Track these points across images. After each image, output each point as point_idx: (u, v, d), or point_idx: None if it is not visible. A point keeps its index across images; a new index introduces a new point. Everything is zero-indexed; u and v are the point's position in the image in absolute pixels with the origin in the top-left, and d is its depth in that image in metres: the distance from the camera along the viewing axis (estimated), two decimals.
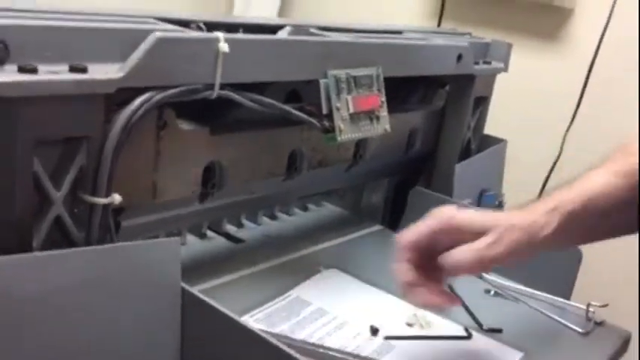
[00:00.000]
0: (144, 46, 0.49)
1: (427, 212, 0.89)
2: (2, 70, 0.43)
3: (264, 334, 0.50)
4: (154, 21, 0.56)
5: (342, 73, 0.67)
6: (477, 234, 0.58)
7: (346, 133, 0.67)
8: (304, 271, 0.77)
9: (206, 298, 0.53)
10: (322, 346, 0.63)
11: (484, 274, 0.83)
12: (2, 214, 0.45)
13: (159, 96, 0.51)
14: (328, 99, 0.65)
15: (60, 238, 0.49)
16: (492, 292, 0.80)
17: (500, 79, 0.99)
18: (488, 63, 0.95)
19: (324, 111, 0.66)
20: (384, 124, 0.72)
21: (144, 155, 0.56)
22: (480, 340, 0.69)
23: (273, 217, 0.93)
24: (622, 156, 0.60)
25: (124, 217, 0.59)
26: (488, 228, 0.58)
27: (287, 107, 0.63)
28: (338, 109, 0.66)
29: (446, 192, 0.91)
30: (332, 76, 0.66)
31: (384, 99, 0.72)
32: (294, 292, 0.72)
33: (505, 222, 0.58)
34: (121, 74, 0.48)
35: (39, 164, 0.46)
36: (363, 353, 0.63)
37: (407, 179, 0.98)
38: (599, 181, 0.59)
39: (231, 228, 0.87)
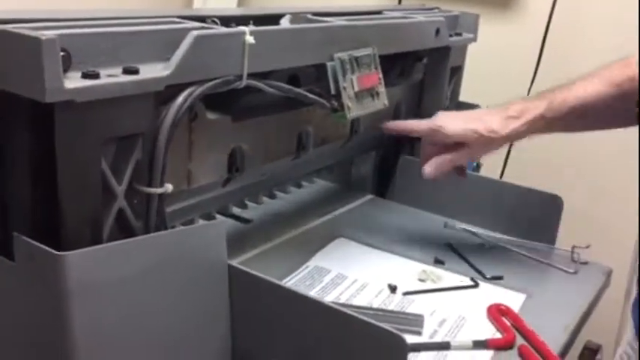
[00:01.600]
0: (185, 45, 0.53)
1: (415, 178, 0.97)
2: (67, 77, 0.46)
3: (306, 293, 0.55)
4: (180, 20, 0.60)
5: (345, 55, 0.72)
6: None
7: (354, 111, 0.72)
8: (314, 242, 0.82)
9: (251, 271, 0.58)
10: (352, 306, 0.69)
11: (477, 231, 0.91)
12: (76, 210, 0.49)
13: (199, 90, 0.55)
14: (336, 80, 0.70)
15: (121, 228, 0.53)
16: (487, 246, 0.88)
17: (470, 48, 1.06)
18: (459, 34, 1.02)
19: (332, 92, 0.71)
20: (383, 99, 0.78)
21: (180, 146, 0.60)
22: (486, 288, 0.76)
23: (272, 197, 0.97)
24: (619, 67, 0.70)
25: (166, 205, 0.63)
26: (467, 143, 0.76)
27: (302, 91, 0.68)
28: (345, 88, 0.71)
29: None
30: (338, 58, 0.71)
31: (381, 76, 0.77)
32: (311, 262, 0.77)
33: (484, 138, 0.75)
34: (167, 72, 0.52)
35: (104, 162, 0.50)
36: (389, 308, 0.70)
37: (392, 150, 1.04)
38: (589, 89, 0.72)
39: (236, 210, 0.91)
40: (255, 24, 0.68)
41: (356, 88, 0.73)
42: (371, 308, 0.68)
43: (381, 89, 0.78)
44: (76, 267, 0.45)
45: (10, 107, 0.47)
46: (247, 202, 0.93)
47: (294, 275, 0.74)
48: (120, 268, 0.50)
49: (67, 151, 0.47)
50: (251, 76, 0.61)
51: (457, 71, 1.04)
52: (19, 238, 0.46)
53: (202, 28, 0.57)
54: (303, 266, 0.77)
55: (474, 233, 0.91)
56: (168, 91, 0.53)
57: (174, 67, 0.52)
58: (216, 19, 0.65)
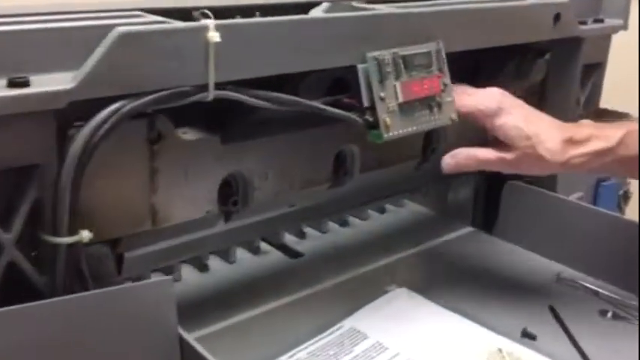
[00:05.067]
0: (103, 47, 0.40)
1: (525, 209, 0.75)
2: None
3: None
4: (136, 13, 0.46)
5: (386, 54, 0.53)
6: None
7: (395, 129, 0.54)
8: (367, 291, 0.65)
9: (203, 351, 0.43)
10: None
11: (600, 290, 0.66)
12: None
13: (130, 105, 0.41)
14: (369, 88, 0.52)
15: (16, 286, 0.40)
16: (610, 314, 0.63)
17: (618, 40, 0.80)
18: (600, 21, 0.77)
19: (365, 103, 0.53)
20: (449, 111, 0.58)
21: (136, 175, 0.47)
22: None
23: (343, 224, 0.81)
24: None
25: (127, 248, 0.50)
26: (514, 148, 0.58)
27: (315, 103, 0.51)
28: (382, 99, 0.53)
29: (550, 184, 0.75)
30: (372, 58, 0.52)
31: (447, 81, 0.57)
32: (347, 322, 0.60)
33: (535, 153, 0.57)
34: (72, 85, 0.39)
35: None
36: None
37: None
38: None
39: (291, 239, 0.76)
40: (267, 15, 0.53)
41: (401, 99, 0.54)
42: None
43: (447, 98, 0.57)
44: None
45: None
46: (307, 230, 0.77)
47: (317, 339, 0.57)
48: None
49: None
50: (232, 85, 0.46)
51: (595, 70, 0.79)
52: None
53: (142, 23, 0.43)
54: (336, 326, 0.59)
55: (596, 293, 0.66)
56: (86, 108, 0.40)
57: (82, 76, 0.39)
58: (207, 11, 0.51)
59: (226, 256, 0.70)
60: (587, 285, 0.67)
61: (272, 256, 0.73)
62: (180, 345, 0.44)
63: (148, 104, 0.42)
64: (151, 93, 0.41)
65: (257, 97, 0.47)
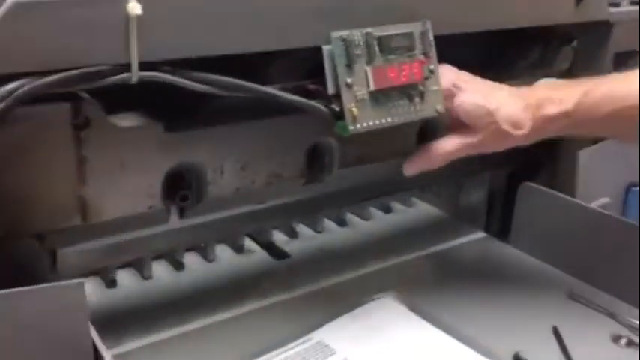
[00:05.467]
0: None
1: (540, 215, 0.66)
2: None
3: None
4: None
5: (356, 34, 0.46)
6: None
7: (365, 120, 0.47)
8: (351, 300, 0.58)
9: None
10: None
11: (617, 312, 0.58)
12: None
13: (28, 86, 0.36)
14: (335, 73, 0.46)
15: None
16: (624, 341, 0.55)
17: None
18: (636, 3, 0.67)
19: (330, 90, 0.46)
20: (434, 102, 0.50)
21: (61, 165, 0.42)
22: None
23: (341, 223, 0.75)
24: None
25: (61, 244, 0.46)
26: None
27: (268, 89, 0.45)
28: (349, 85, 0.46)
29: (569, 184, 0.67)
30: (338, 39, 0.46)
31: (433, 66, 0.50)
32: (317, 334, 0.54)
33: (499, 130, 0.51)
34: None
35: None
36: None
37: (522, 170, 0.73)
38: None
39: (281, 238, 0.71)
40: None
41: (372, 86, 0.47)
42: None
43: (433, 86, 0.50)
44: None
45: None
46: (299, 229, 0.72)
47: (279, 352, 0.52)
48: None
49: None
50: (169, 64, 0.41)
51: (629, 59, 0.69)
52: None
53: None
54: (303, 338, 0.53)
55: (612, 315, 0.58)
56: None
57: None
58: None
59: (205, 253, 0.65)
60: (602, 305, 0.59)
61: (256, 255, 0.68)
62: (95, 356, 0.40)
63: (53, 85, 0.37)
64: (50, 73, 0.37)
65: (194, 79, 0.42)
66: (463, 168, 0.62)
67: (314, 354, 0.51)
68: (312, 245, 0.70)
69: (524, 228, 0.68)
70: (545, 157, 0.72)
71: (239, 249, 0.67)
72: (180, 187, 0.48)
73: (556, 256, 0.65)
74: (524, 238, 0.68)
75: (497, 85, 0.54)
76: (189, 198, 0.49)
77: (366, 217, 0.76)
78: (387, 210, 0.78)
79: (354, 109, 0.46)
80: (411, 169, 0.53)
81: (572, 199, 0.64)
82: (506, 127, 0.51)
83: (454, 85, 0.51)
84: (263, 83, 0.45)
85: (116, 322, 0.55)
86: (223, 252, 0.67)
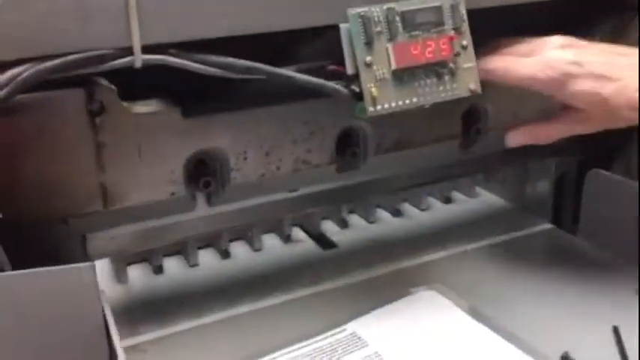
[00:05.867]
0: None
1: (610, 206, 0.61)
2: None
3: None
4: None
5: (376, 9, 0.44)
6: None
7: (386, 101, 0.44)
8: (393, 293, 0.56)
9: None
10: None
11: None
12: None
13: (30, 71, 0.37)
14: (353, 52, 0.44)
15: None
16: None
17: None
18: None
19: (349, 70, 0.44)
20: (467, 80, 0.47)
21: (80, 150, 0.43)
22: None
23: (396, 213, 0.72)
24: None
25: (88, 229, 0.47)
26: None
27: (283, 71, 0.44)
28: (369, 65, 0.44)
29: None
30: (356, 16, 0.43)
31: (466, 42, 0.46)
32: (351, 326, 0.52)
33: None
34: None
35: None
36: None
37: (596, 156, 0.67)
38: None
39: (332, 228, 0.69)
40: None
41: (393, 65, 0.44)
42: None
43: (466, 64, 0.47)
44: None
45: None
46: (350, 218, 0.70)
47: (308, 343, 0.50)
48: None
49: None
50: (174, 47, 0.41)
51: None
52: None
53: None
54: (336, 330, 0.51)
55: None
56: None
57: None
58: None
59: (251, 242, 0.65)
60: None
61: (302, 245, 0.66)
62: (107, 339, 0.40)
63: (55, 69, 0.37)
64: (50, 58, 0.37)
65: (203, 62, 0.41)
66: (530, 152, 0.58)
67: (345, 345, 0.50)
68: (362, 236, 0.68)
69: (594, 219, 0.63)
70: (621, 141, 0.65)
71: (286, 239, 0.67)
72: (205, 174, 0.48)
73: (628, 250, 0.59)
74: (593, 230, 0.63)
75: (613, 54, 0.50)
76: (213, 184, 0.48)
77: (423, 207, 0.72)
78: (447, 200, 0.74)
79: (374, 90, 0.44)
80: (515, 143, 0.53)
81: None
82: (626, 113, 0.47)
83: (565, 73, 0.47)
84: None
85: (161, 307, 0.56)
86: (270, 240, 0.66)
